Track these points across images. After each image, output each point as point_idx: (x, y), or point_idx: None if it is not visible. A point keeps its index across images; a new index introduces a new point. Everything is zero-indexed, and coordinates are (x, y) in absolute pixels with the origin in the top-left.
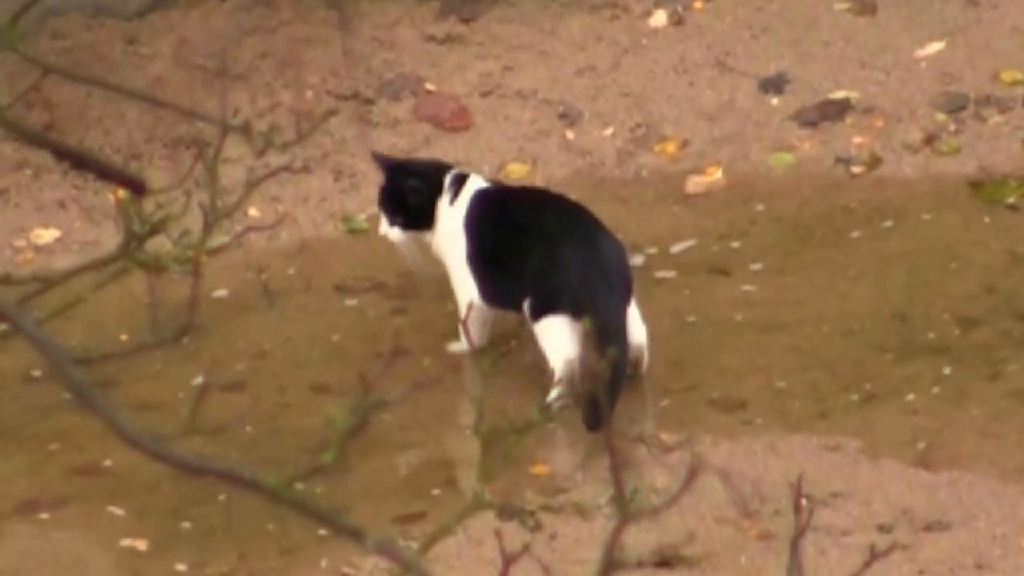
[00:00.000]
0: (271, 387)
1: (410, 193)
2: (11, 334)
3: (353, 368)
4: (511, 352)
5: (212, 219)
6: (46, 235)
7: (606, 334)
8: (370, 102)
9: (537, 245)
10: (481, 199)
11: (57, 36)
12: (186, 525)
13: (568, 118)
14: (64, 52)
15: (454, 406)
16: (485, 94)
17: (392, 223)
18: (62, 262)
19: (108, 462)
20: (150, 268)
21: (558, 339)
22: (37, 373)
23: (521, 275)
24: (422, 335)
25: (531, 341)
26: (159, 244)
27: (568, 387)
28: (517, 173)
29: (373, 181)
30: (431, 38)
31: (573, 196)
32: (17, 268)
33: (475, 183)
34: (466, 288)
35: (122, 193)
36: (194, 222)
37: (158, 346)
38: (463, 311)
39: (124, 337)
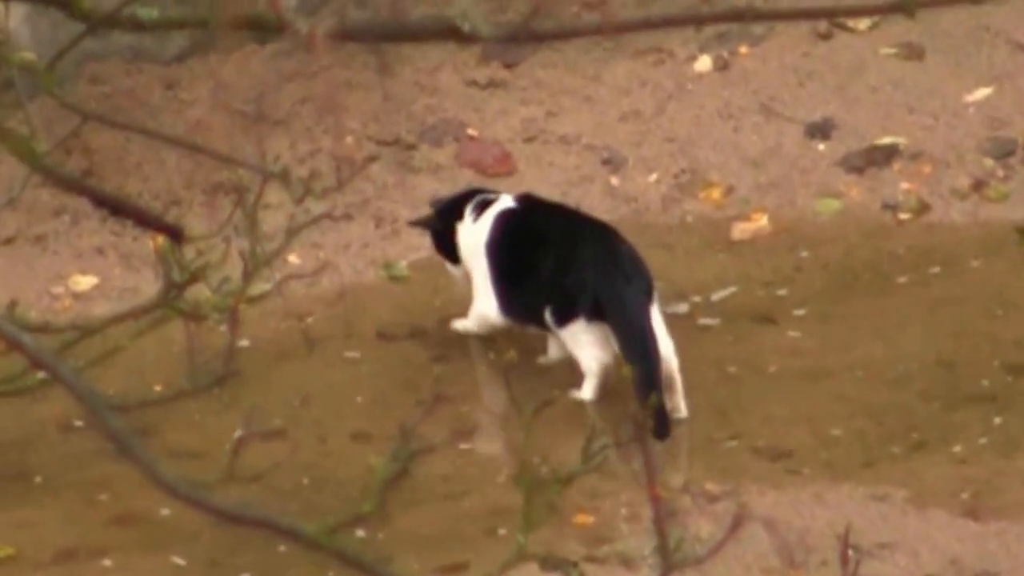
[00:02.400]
0: (311, 435)
1: (439, 226)
2: (50, 382)
3: (394, 416)
4: (554, 401)
5: (252, 266)
6: (84, 282)
7: (632, 333)
8: (412, 148)
9: (552, 251)
10: (503, 217)
11: (96, 81)
12: (225, 575)
13: (612, 164)
14: (103, 97)
15: (496, 455)
16: (528, 140)
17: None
18: (100, 309)
19: (147, 511)
20: (189, 317)
21: (588, 343)
22: (78, 423)
23: (539, 285)
24: (463, 383)
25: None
26: (198, 291)
27: (601, 385)
28: None
29: (415, 229)
30: (473, 83)
31: None
32: (55, 315)
33: (503, 203)
34: (484, 302)
35: (161, 240)
36: (234, 269)
37: (197, 393)
38: (473, 324)
39: (157, 388)
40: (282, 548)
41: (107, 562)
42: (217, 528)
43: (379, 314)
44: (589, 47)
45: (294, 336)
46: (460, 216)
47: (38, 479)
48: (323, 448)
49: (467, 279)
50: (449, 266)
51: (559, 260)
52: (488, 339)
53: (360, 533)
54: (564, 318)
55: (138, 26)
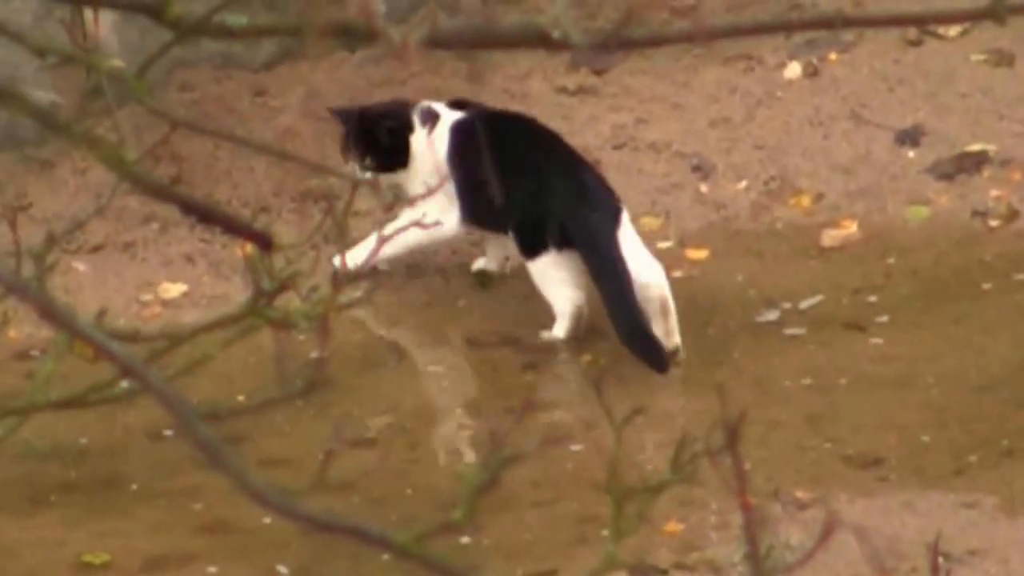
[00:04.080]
0: (401, 443)
1: (384, 134)
2: (139, 391)
3: (484, 423)
4: (645, 409)
5: (342, 275)
6: (173, 289)
7: (601, 260)
8: None
9: (519, 180)
10: (459, 129)
11: (185, 88)
12: None
13: (702, 171)
14: (192, 104)
15: (586, 462)
16: (618, 147)
17: (363, 168)
18: (189, 316)
19: (236, 519)
20: (279, 325)
21: (559, 281)
22: (168, 432)
23: (504, 209)
24: (553, 390)
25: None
26: (288, 299)
27: (575, 327)
28: (650, 226)
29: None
30: (563, 90)
31: (707, 250)
32: (144, 322)
33: (450, 115)
34: (438, 209)
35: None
36: (324, 277)
37: (286, 402)
38: (428, 236)
39: (240, 397)
40: (373, 557)
41: (196, 569)
42: (307, 536)
43: (469, 321)
44: (679, 54)
45: (384, 344)
46: (410, 126)
47: (133, 487)
48: (413, 455)
49: (399, 187)
50: (382, 176)
51: (525, 190)
52: (579, 346)
53: (465, 539)
54: (532, 250)
55: (227, 34)
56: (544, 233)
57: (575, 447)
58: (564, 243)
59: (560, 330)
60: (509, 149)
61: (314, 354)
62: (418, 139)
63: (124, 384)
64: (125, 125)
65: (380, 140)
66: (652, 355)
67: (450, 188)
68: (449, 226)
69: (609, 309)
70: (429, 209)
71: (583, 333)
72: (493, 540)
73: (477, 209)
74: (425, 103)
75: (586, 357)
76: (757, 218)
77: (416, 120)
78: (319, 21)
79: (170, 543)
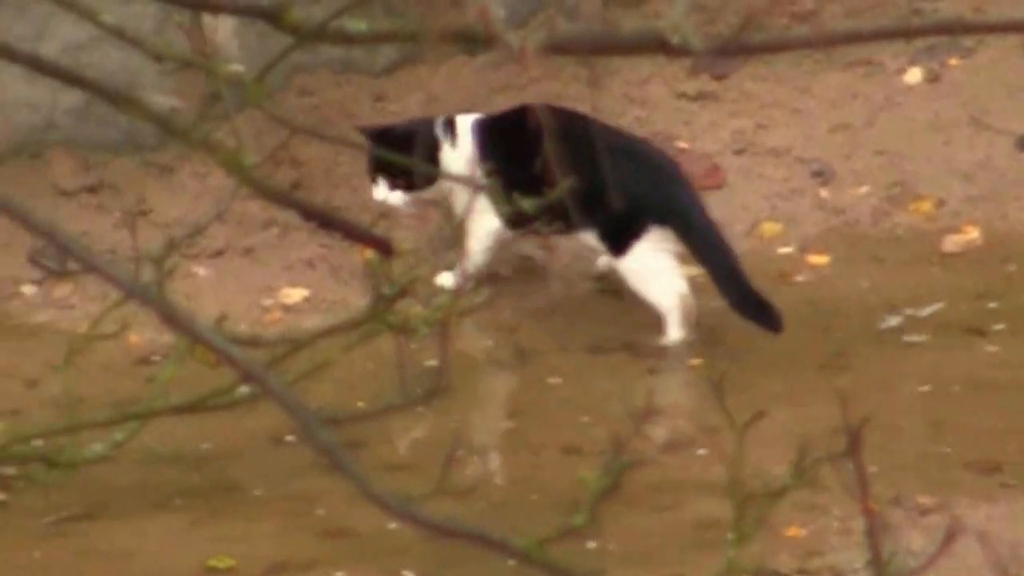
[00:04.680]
0: (523, 448)
1: (416, 153)
2: (260, 396)
3: (605, 429)
4: (766, 413)
5: (462, 280)
6: (294, 294)
7: (699, 230)
8: None
9: (585, 167)
10: (482, 130)
11: (304, 93)
12: None
13: (822, 176)
14: (312, 109)
15: (708, 468)
16: (738, 152)
17: (394, 188)
18: (310, 321)
19: (358, 525)
20: (399, 330)
21: (656, 271)
22: (289, 438)
23: (580, 200)
24: (674, 395)
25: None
26: (408, 304)
27: (685, 319)
28: (770, 232)
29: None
30: (683, 95)
31: (827, 256)
32: (264, 327)
33: (465, 120)
34: (486, 219)
35: (369, 253)
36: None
37: (407, 407)
38: (477, 243)
39: (361, 403)
40: (496, 562)
41: (336, 573)
42: (430, 542)
43: (590, 326)
44: (799, 59)
45: (505, 349)
46: (436, 142)
47: (256, 492)
48: (534, 461)
49: (418, 204)
50: (397, 196)
51: (594, 181)
52: (696, 350)
53: (591, 544)
54: (622, 243)
55: (347, 39)
56: (631, 222)
57: (698, 451)
58: (657, 223)
59: (674, 330)
60: (560, 143)
61: (434, 360)
62: (446, 153)
63: (244, 389)
64: (244, 130)
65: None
66: (764, 317)
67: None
68: (499, 231)
69: (715, 278)
70: (485, 222)
71: (697, 334)
72: (615, 545)
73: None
74: (444, 116)
75: (697, 361)
76: (878, 224)
77: (439, 134)
78: (438, 26)
79: (293, 548)
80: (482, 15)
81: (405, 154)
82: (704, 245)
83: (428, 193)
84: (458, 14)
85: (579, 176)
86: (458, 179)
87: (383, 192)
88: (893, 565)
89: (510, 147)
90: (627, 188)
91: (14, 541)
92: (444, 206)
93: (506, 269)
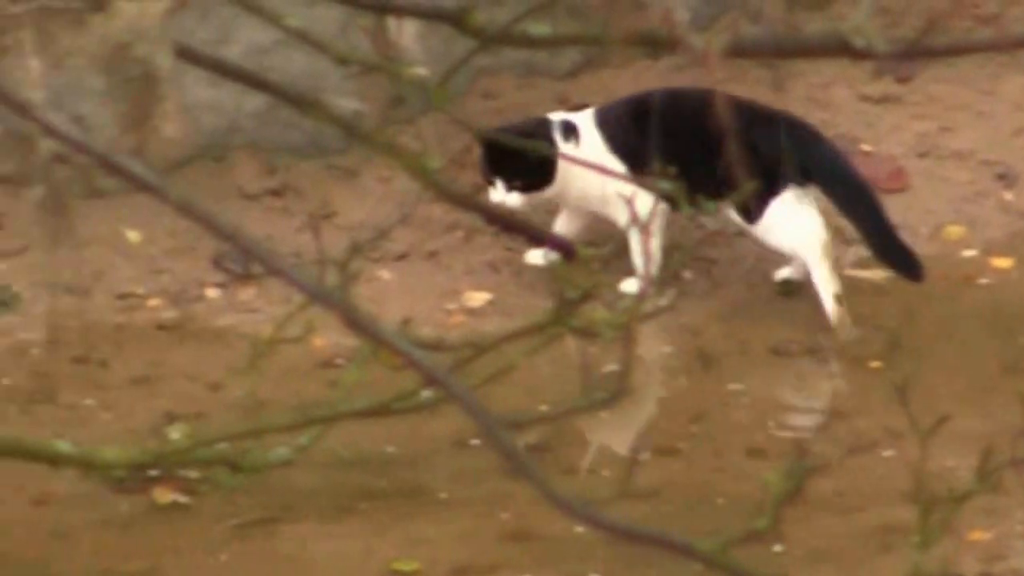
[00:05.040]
0: (705, 451)
1: (542, 153)
2: (443, 400)
3: (788, 432)
4: (950, 418)
5: (645, 283)
6: (478, 298)
7: (844, 181)
8: None
9: (705, 140)
10: (605, 122)
11: (488, 96)
12: None
13: (1006, 179)
14: (495, 112)
15: (892, 471)
16: (921, 155)
17: (511, 189)
18: (493, 325)
19: (541, 528)
20: (583, 334)
21: (796, 218)
22: (474, 442)
23: (706, 170)
24: (857, 398)
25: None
26: (592, 308)
27: (830, 262)
28: (954, 235)
29: None
30: (866, 98)
31: (1011, 258)
32: (448, 331)
33: (585, 117)
34: (643, 198)
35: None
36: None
37: (591, 411)
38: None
39: (543, 407)
40: (681, 566)
41: None
42: (612, 545)
43: (772, 330)
44: (983, 61)
45: (688, 353)
46: (553, 142)
47: (443, 495)
48: (717, 464)
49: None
50: (515, 197)
51: (716, 148)
52: (879, 353)
53: (778, 548)
54: (761, 204)
55: (530, 42)
56: (768, 185)
57: (883, 453)
58: (795, 183)
59: (825, 283)
60: (685, 121)
61: (617, 363)
62: (569, 151)
63: (428, 393)
64: (429, 133)
65: (527, 160)
66: (907, 265)
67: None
68: (658, 206)
69: (860, 227)
70: (643, 201)
71: (877, 336)
72: (798, 549)
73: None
74: (559, 116)
75: (877, 363)
76: None
77: (558, 136)
78: (622, 30)
79: (476, 551)
80: (666, 18)
81: (521, 155)
82: (849, 197)
83: (548, 192)
84: (642, 17)
85: (711, 151)
86: (606, 172)
87: (500, 194)
88: None
89: (640, 134)
90: (761, 152)
91: (199, 544)
92: (571, 205)
93: (689, 272)
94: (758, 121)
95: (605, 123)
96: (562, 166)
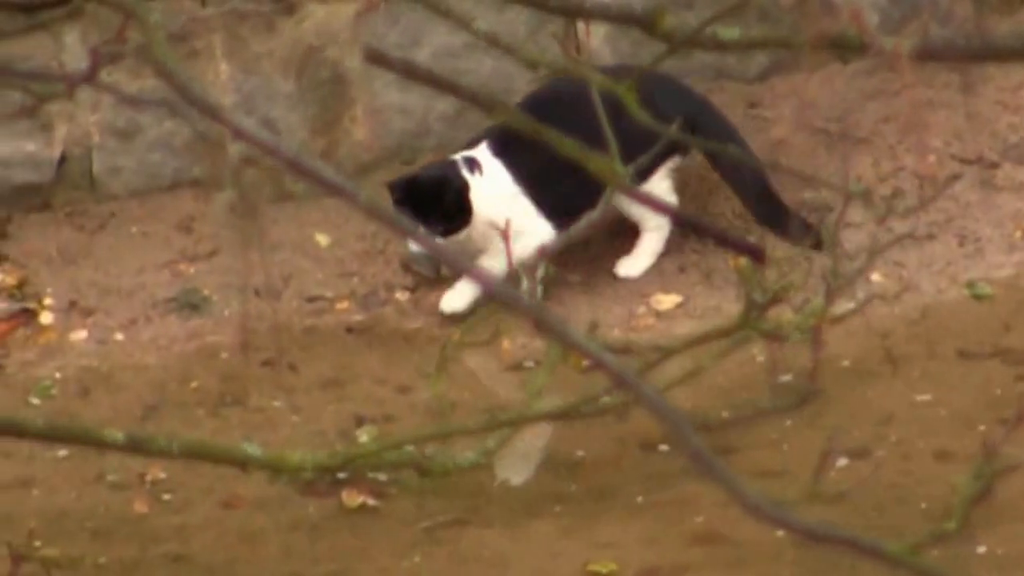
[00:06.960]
0: (894, 454)
1: (448, 199)
2: (631, 403)
3: (977, 435)
4: None
5: (835, 286)
6: (667, 301)
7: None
8: (994, 166)
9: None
10: (500, 150)
11: None
12: None
13: None
14: None
15: None
16: None
17: (432, 235)
18: (682, 328)
19: (730, 530)
20: (771, 337)
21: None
22: (663, 447)
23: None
24: None
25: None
26: (780, 311)
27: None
28: None
29: (999, 247)
30: None
31: None
32: (637, 334)
33: (475, 153)
34: (538, 232)
35: (742, 260)
36: (816, 289)
37: (779, 413)
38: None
39: (725, 413)
40: (871, 568)
41: None
42: (800, 547)
43: (961, 332)
44: None
45: (877, 355)
46: (465, 182)
47: (639, 499)
48: (905, 467)
49: (460, 243)
50: (447, 240)
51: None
52: None
53: (981, 549)
54: (653, 165)
55: (720, 46)
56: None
57: None
58: (679, 152)
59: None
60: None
61: (809, 365)
62: (475, 189)
63: (616, 396)
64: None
65: (444, 205)
66: (788, 228)
67: (528, 206)
68: (545, 234)
69: (740, 193)
70: (537, 236)
71: None
72: (988, 553)
73: (555, 209)
74: (459, 155)
75: None
76: None
77: (465, 172)
78: (812, 33)
79: (666, 553)
80: (855, 21)
81: (435, 201)
82: (732, 164)
83: (462, 234)
84: (831, 20)
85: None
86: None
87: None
88: None
89: (534, 154)
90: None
91: (389, 547)
92: (472, 247)
93: (879, 275)
94: (657, 86)
95: (501, 153)
96: (475, 203)
